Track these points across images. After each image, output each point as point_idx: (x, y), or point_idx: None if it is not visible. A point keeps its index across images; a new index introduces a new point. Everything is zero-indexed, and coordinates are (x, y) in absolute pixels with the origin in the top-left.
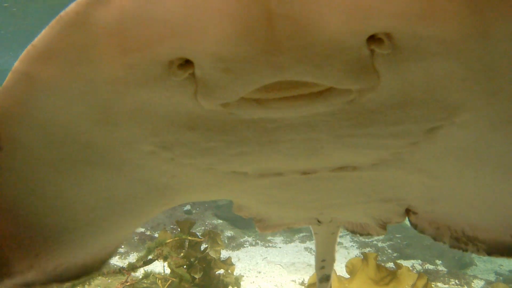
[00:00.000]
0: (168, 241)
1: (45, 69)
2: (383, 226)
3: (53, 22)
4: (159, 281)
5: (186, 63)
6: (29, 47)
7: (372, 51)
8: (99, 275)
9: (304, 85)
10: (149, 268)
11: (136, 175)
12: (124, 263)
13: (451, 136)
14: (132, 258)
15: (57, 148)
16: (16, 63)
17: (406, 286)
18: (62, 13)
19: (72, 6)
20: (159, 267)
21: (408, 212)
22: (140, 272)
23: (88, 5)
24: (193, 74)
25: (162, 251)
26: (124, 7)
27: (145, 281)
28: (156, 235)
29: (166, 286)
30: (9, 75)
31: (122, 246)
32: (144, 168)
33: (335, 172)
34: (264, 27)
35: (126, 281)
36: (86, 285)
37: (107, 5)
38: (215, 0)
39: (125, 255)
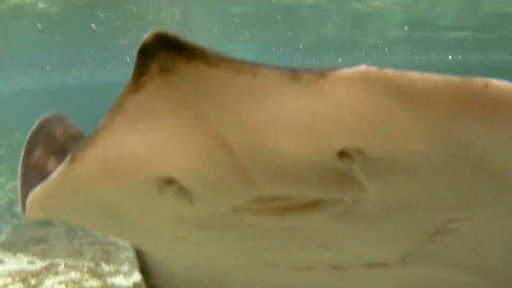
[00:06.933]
0: None
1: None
2: None
3: (60, 169)
4: None
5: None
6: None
7: (348, 166)
8: None
9: (291, 197)
10: None
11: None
12: (129, 283)
13: (476, 227)
14: (137, 276)
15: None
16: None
17: None
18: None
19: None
20: None
21: None
22: None
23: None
24: (182, 187)
25: None
26: (107, 147)
27: None
28: None
29: None
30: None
31: (126, 264)
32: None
33: (367, 269)
34: (223, 151)
35: None
36: None
37: (96, 147)
38: (174, 135)
39: (129, 273)
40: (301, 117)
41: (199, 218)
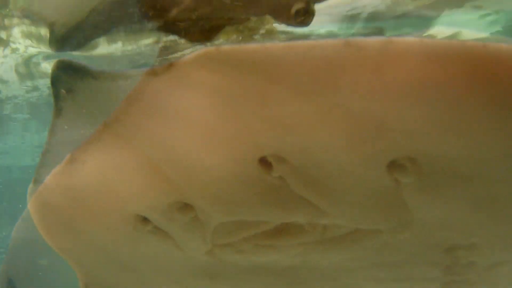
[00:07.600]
0: None
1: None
2: None
3: (57, 169)
4: None
5: (186, 206)
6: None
7: (397, 181)
8: None
9: (325, 227)
10: None
11: None
12: None
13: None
14: None
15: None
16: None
17: None
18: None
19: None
20: None
21: None
22: None
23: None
24: (197, 218)
25: None
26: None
27: None
28: None
29: None
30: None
31: None
32: None
33: None
34: (257, 164)
35: None
36: None
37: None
38: (208, 145)
39: None
40: None
41: (211, 266)
